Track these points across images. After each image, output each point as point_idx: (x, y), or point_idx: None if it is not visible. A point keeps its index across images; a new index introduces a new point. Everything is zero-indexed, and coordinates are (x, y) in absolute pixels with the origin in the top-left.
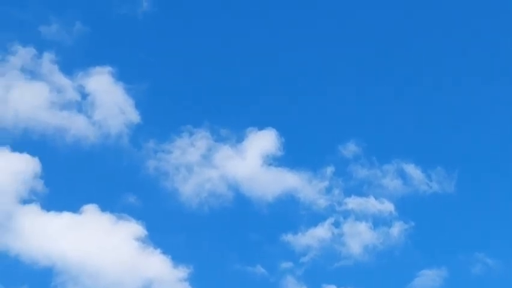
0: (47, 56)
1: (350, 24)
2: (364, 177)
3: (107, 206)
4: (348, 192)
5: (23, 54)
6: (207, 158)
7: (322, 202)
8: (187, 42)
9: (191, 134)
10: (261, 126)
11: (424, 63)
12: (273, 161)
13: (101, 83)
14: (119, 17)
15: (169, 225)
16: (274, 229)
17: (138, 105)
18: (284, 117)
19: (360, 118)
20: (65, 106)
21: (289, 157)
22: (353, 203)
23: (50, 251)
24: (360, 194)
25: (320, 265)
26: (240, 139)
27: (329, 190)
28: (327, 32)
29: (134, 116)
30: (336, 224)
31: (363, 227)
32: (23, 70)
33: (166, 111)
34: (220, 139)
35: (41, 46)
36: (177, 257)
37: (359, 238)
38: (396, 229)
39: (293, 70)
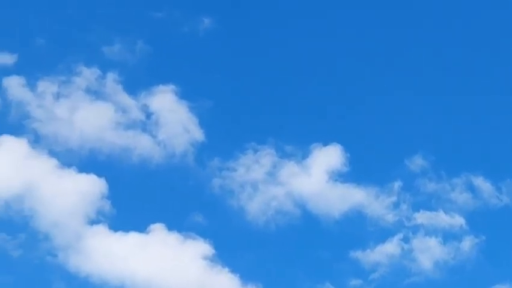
0: (111, 76)
1: (420, 33)
2: (432, 191)
3: (174, 225)
4: (416, 207)
5: (87, 75)
6: (272, 175)
7: (390, 217)
8: (249, 59)
9: (255, 151)
10: (326, 141)
11: (495, 72)
12: (338, 177)
13: (165, 102)
14: (181, 35)
15: (237, 244)
16: (342, 246)
17: (202, 123)
18: (349, 132)
19: (427, 131)
20: (130, 126)
21: (355, 172)
22: (422, 217)
23: (119, 271)
24: (429, 208)
25: (389, 282)
26: (305, 155)
27: (396, 205)
28: (393, 42)
29: (199, 134)
30: (405, 240)
31: (433, 242)
32: (88, 91)
33: (230, 128)
34: (284, 156)
35: (105, 66)
36: (245, 276)
37: (429, 253)
38: (467, 243)
39: (357, 84)
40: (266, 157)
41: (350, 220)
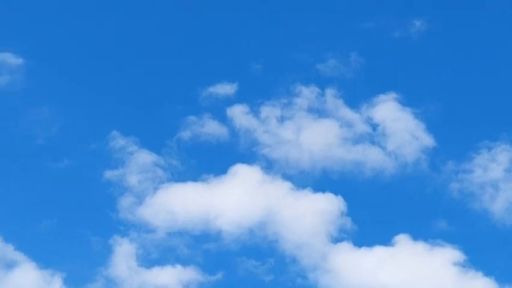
0: (330, 92)
1: None
2: None
3: (418, 234)
4: None
5: (307, 94)
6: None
7: None
8: (467, 55)
9: (489, 149)
10: None
11: None
12: None
13: (389, 111)
14: (393, 41)
15: (487, 247)
16: None
17: (430, 128)
18: None
19: None
20: (358, 140)
21: None
22: None
23: (368, 286)
24: None
25: None
26: None
27: None
28: None
29: (428, 140)
30: None
31: None
32: (310, 110)
33: (460, 129)
34: None
35: (323, 83)
36: (501, 278)
37: None
38: None
39: None
40: (502, 154)
41: None
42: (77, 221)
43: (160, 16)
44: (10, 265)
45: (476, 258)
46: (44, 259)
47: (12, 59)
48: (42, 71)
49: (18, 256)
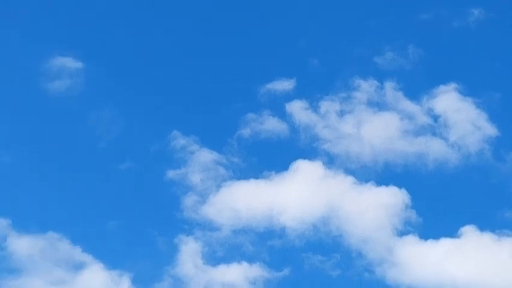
0: (389, 85)
1: None
2: None
3: (485, 225)
4: None
5: (365, 87)
6: None
7: None
8: None
9: None
10: None
11: None
12: None
13: (449, 102)
14: (451, 31)
15: None
16: None
17: (492, 118)
18: None
19: None
20: (419, 132)
21: None
22: None
23: (436, 279)
24: None
25: None
26: None
27: None
28: None
29: (491, 130)
30: None
31: None
32: (369, 103)
33: None
34: None
35: (381, 76)
36: None
37: None
38: None
39: None
40: None
41: None
42: (143, 221)
43: (216, 15)
44: (79, 267)
45: None
46: (111, 260)
47: (71, 63)
48: (101, 74)
49: (86, 258)
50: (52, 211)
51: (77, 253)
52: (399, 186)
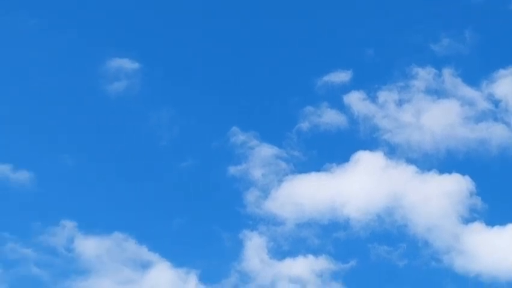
0: (447, 72)
1: None
2: None
3: None
4: None
5: (423, 75)
6: None
7: None
8: None
9: None
10: None
11: None
12: None
13: (510, 86)
14: (508, 14)
15: None
16: None
17: None
18: None
19: None
20: (480, 118)
21: None
22: None
23: (506, 266)
24: None
25: None
26: None
27: None
28: None
29: None
30: None
31: None
32: (428, 91)
33: None
34: None
35: (438, 63)
36: None
37: None
38: None
39: None
40: None
41: None
42: (207, 218)
43: (271, 10)
44: (146, 266)
45: None
46: (178, 258)
47: (128, 64)
48: (158, 73)
49: (153, 256)
50: (117, 212)
51: (144, 252)
52: (463, 173)
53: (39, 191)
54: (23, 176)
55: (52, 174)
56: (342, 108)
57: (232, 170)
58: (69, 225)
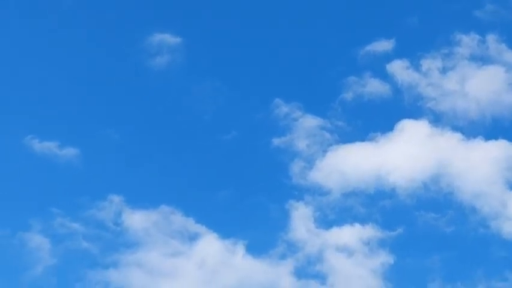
0: (491, 38)
1: None
2: None
3: None
4: None
5: (467, 42)
6: None
7: None
8: None
9: None
10: None
11: None
12: None
13: None
14: None
15: None
16: None
17: None
18: None
19: None
20: None
21: None
22: None
23: None
24: None
25: None
26: None
27: None
28: None
29: None
30: None
31: None
32: (472, 58)
33: None
34: None
35: (482, 29)
36: None
37: None
38: None
39: None
40: None
41: None
42: (252, 189)
43: None
44: (193, 238)
45: None
46: (224, 229)
47: (170, 39)
48: (199, 47)
49: (200, 228)
50: (163, 185)
51: (191, 224)
52: (509, 139)
53: (86, 167)
54: (69, 152)
55: (98, 150)
56: (385, 77)
57: (276, 141)
58: (116, 199)
